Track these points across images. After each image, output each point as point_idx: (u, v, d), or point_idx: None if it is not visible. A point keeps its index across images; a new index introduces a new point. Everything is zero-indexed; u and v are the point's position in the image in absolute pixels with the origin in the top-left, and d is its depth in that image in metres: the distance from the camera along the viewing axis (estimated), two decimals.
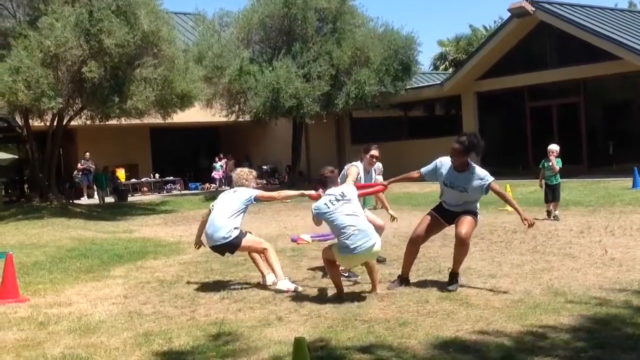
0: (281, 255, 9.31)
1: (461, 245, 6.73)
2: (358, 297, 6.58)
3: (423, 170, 7.13)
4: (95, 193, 23.69)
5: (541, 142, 21.67)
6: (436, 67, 47.10)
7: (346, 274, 7.43)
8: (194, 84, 18.92)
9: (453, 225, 6.87)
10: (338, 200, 6.57)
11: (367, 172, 8.29)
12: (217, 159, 27.93)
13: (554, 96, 22.88)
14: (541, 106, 22.94)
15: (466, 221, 6.74)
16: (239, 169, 8.09)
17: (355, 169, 8.04)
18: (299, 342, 3.57)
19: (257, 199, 7.53)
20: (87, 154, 24.31)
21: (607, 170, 20.12)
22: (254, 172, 8.05)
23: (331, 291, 6.83)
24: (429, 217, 7.04)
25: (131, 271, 8.95)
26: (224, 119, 24.13)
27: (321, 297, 6.67)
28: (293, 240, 10.72)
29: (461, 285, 6.73)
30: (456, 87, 24.12)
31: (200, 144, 30.38)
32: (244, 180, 7.72)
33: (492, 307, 5.91)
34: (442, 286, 6.78)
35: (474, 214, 6.87)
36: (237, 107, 23.12)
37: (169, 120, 20.67)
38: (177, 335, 5.57)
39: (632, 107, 21.15)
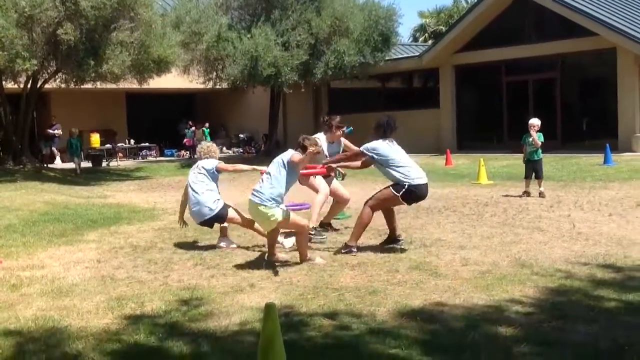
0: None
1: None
2: (330, 266, 6.67)
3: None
4: (71, 160, 21.98)
5: (517, 116, 21.90)
6: (415, 39, 47.05)
7: (312, 233, 7.77)
8: (171, 49, 18.74)
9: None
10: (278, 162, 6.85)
11: (331, 142, 8.60)
12: (188, 126, 27.68)
13: (530, 71, 23.00)
14: (518, 81, 23.06)
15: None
16: (203, 143, 8.56)
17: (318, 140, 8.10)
18: (269, 308, 3.64)
19: (218, 169, 7.91)
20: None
21: (580, 146, 20.37)
22: (215, 146, 8.43)
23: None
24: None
25: (105, 236, 8.96)
26: (201, 86, 23.96)
27: (293, 266, 6.75)
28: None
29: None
30: (434, 60, 24.13)
31: (176, 111, 30.15)
32: (212, 153, 8.11)
33: (460, 277, 6.04)
34: (412, 256, 6.91)
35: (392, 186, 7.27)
36: (214, 74, 22.94)
37: (145, 86, 20.50)
38: (150, 299, 5.63)
39: (606, 84, 21.33)
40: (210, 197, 7.70)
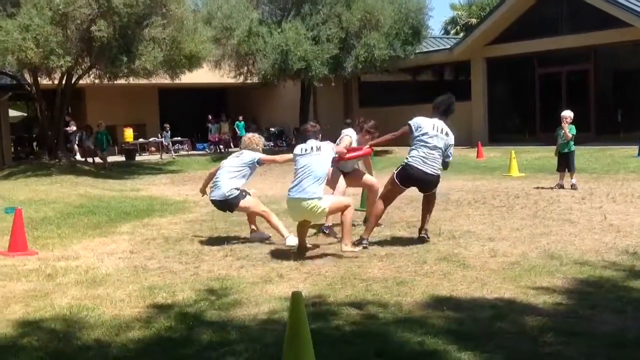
0: (284, 217, 9.46)
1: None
2: (359, 257, 6.72)
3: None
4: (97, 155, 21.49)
5: (549, 109, 21.65)
6: (447, 32, 46.68)
7: (326, 231, 7.75)
8: (203, 44, 18.92)
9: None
10: (311, 150, 6.86)
11: (360, 142, 8.29)
12: (212, 122, 27.43)
13: (563, 63, 22.71)
14: (550, 73, 22.80)
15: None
16: (250, 134, 8.43)
17: (348, 138, 8.06)
18: (295, 296, 3.69)
19: (260, 162, 7.87)
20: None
21: (614, 138, 20.08)
22: (263, 139, 8.42)
23: (331, 251, 6.98)
24: None
25: (137, 228, 9.13)
26: (232, 81, 24.13)
27: (322, 257, 6.81)
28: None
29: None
30: (466, 53, 23.95)
31: (208, 105, 30.40)
32: (254, 145, 8.05)
33: (489, 268, 6.04)
34: (441, 248, 6.93)
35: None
36: (245, 68, 23.10)
37: (177, 81, 20.71)
38: (181, 289, 5.74)
39: None
40: (230, 184, 7.64)
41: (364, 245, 7.07)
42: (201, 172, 19.34)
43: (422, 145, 7.09)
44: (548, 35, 21.82)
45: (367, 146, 7.93)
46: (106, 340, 4.50)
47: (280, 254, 7.00)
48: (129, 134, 26.21)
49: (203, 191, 8.43)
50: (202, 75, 23.18)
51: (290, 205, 6.86)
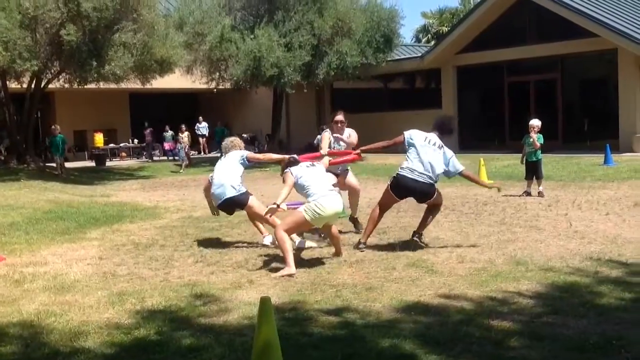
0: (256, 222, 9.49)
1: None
2: (328, 263, 6.77)
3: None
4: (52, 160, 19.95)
5: (518, 117, 21.95)
6: (418, 40, 47.12)
7: (314, 244, 7.73)
8: (174, 50, 18.87)
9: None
10: (309, 166, 6.99)
11: (337, 141, 8.41)
12: (167, 129, 26.54)
13: (532, 72, 23.08)
14: (519, 81, 23.15)
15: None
16: (230, 137, 8.42)
17: (327, 133, 8.39)
18: (264, 302, 3.73)
19: (248, 159, 7.81)
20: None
21: (581, 147, 20.43)
22: (239, 139, 8.34)
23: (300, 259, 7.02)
24: None
25: (107, 234, 9.08)
26: (204, 86, 24.09)
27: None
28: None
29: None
30: (436, 61, 24.22)
31: (180, 111, 30.31)
32: (237, 147, 8.02)
33: (456, 274, 6.14)
34: (410, 254, 7.01)
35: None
36: (217, 74, 23.08)
37: (148, 86, 20.63)
38: (150, 295, 5.73)
39: (607, 84, 21.42)
40: (235, 179, 7.58)
41: (361, 249, 7.29)
42: (172, 178, 19.29)
43: (413, 157, 7.29)
44: (517, 45, 22.17)
45: (357, 152, 7.98)
46: (74, 346, 4.49)
47: (250, 260, 7.02)
48: (99, 139, 26.02)
49: (215, 210, 8.18)
50: (174, 81, 23.12)
51: (330, 210, 6.66)
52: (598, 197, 11.11)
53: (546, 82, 22.83)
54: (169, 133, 26.52)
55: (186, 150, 22.66)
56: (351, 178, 8.57)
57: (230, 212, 7.98)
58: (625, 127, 20.22)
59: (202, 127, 28.31)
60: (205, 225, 9.48)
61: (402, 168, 7.34)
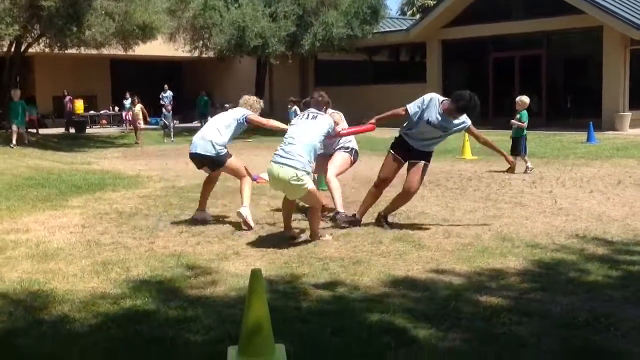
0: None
1: (407, 195, 7.06)
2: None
3: (410, 105, 7.06)
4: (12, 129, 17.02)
5: (502, 93, 21.98)
6: (404, 13, 46.85)
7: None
8: (157, 15, 18.58)
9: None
10: (307, 117, 6.53)
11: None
12: (127, 96, 25.02)
13: (517, 48, 23.06)
14: (504, 57, 23.12)
15: (419, 171, 6.98)
16: (249, 96, 7.76)
17: (337, 115, 7.37)
18: (255, 274, 3.67)
19: (248, 120, 7.33)
20: None
21: (564, 124, 20.54)
22: (261, 103, 7.75)
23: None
24: (390, 159, 7.17)
25: (89, 202, 8.97)
26: (187, 54, 23.79)
27: (279, 235, 6.80)
28: (253, 179, 10.77)
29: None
30: (422, 34, 24.10)
31: (162, 79, 29.94)
32: (248, 106, 7.51)
33: (443, 249, 6.13)
34: (396, 229, 6.99)
35: (429, 157, 7.09)
36: (200, 42, 22.80)
37: (130, 53, 20.33)
38: (135, 264, 5.67)
39: (592, 62, 21.47)
40: (219, 139, 7.15)
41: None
42: (154, 146, 19.12)
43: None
44: (502, 20, 22.11)
45: (372, 121, 7.16)
46: (59, 315, 4.42)
47: (236, 232, 6.97)
48: (79, 105, 25.66)
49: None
50: (157, 48, 22.82)
51: (271, 173, 6.23)
52: (582, 174, 11.16)
53: (531, 59, 22.83)
54: (128, 101, 24.91)
55: (139, 123, 20.97)
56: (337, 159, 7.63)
57: (199, 166, 7.53)
58: (608, 105, 20.33)
59: (167, 97, 26.29)
60: (190, 195, 9.39)
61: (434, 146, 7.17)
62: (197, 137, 7.34)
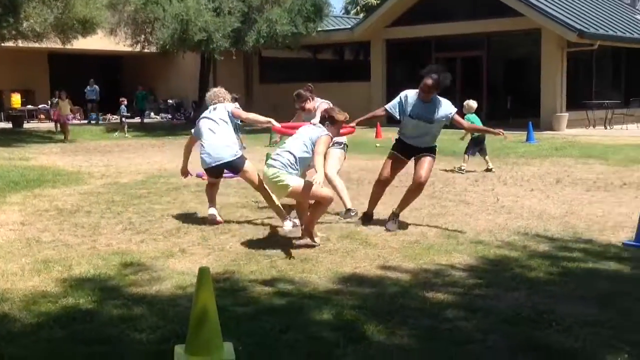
0: (185, 191, 9.32)
1: (417, 189, 7.01)
2: (262, 233, 6.70)
3: (388, 105, 7.10)
4: None
5: (445, 92, 22.28)
6: (347, 11, 47.07)
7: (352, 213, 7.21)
8: (98, 10, 18.18)
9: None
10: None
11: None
12: (56, 93, 22.70)
13: (459, 48, 23.42)
14: (446, 57, 23.45)
15: (426, 163, 6.93)
16: (214, 89, 7.60)
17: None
18: (203, 272, 3.62)
19: (233, 115, 7.18)
20: None
21: (504, 124, 20.79)
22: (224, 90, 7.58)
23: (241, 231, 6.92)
24: (390, 159, 7.17)
25: (28, 198, 8.71)
26: (129, 49, 23.35)
27: (224, 232, 6.74)
28: (198, 176, 10.65)
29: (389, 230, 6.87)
30: (366, 33, 24.25)
31: (102, 73, 29.33)
32: (220, 98, 7.36)
33: (390, 247, 6.17)
34: (344, 226, 7.00)
35: (434, 151, 7.09)
36: (142, 37, 22.40)
37: (68, 46, 19.83)
38: (78, 263, 5.53)
39: (531, 64, 21.95)
40: (233, 143, 6.95)
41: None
42: (94, 142, 18.71)
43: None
44: (445, 21, 22.42)
45: (353, 124, 7.00)
46: None
47: (181, 229, 6.87)
48: (16, 99, 24.92)
49: (185, 171, 7.54)
50: (97, 42, 22.33)
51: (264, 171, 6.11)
52: (522, 173, 11.41)
53: (472, 59, 23.23)
54: (55, 100, 22.96)
55: (68, 119, 19.98)
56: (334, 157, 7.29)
57: (218, 176, 7.25)
58: (546, 105, 20.85)
59: (91, 91, 25.88)
60: (133, 192, 9.23)
61: (401, 133, 7.16)
62: (213, 150, 6.93)
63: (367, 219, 7.20)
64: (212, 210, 7.12)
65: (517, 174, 11.35)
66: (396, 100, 7.06)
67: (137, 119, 24.86)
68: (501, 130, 6.90)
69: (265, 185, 6.61)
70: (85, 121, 25.99)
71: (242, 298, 4.69)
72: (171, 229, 6.85)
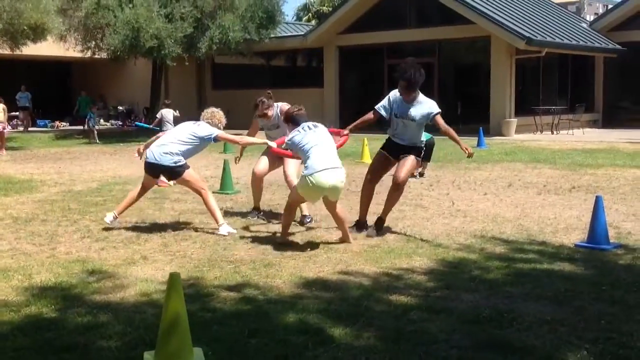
0: (142, 198, 9.22)
1: (395, 189, 7.06)
2: (223, 239, 6.71)
3: (377, 107, 7.23)
4: None
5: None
6: (299, 18, 47.20)
7: (308, 220, 7.48)
8: (48, 16, 17.87)
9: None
10: (311, 128, 6.55)
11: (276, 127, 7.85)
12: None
13: (410, 55, 23.67)
14: (399, 64, 23.67)
15: (407, 164, 7.00)
16: (213, 109, 7.51)
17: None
18: (174, 278, 3.63)
19: (217, 139, 7.18)
20: None
21: (454, 129, 21.16)
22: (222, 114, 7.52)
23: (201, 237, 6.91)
24: (378, 157, 7.30)
25: None
26: (79, 55, 23.01)
27: (185, 239, 6.74)
28: (156, 184, 10.60)
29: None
30: (319, 40, 24.40)
31: (51, 79, 28.79)
32: (216, 121, 7.29)
33: (351, 251, 6.26)
34: (304, 231, 7.07)
35: (418, 151, 7.18)
36: (93, 43, 22.10)
37: (17, 52, 19.44)
38: (38, 271, 5.47)
39: (481, 70, 22.42)
40: (178, 150, 6.94)
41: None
42: (44, 149, 18.38)
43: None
44: (397, 28, 22.73)
45: (345, 132, 7.37)
46: None
47: (141, 236, 6.84)
48: None
49: (141, 152, 7.31)
50: (46, 48, 21.94)
51: (327, 179, 6.26)
52: (475, 177, 11.65)
53: (423, 66, 23.38)
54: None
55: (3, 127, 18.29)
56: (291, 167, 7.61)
57: (154, 175, 7.27)
58: (496, 111, 21.30)
59: (23, 98, 25.08)
60: (88, 199, 9.13)
61: (422, 139, 7.37)
62: (156, 147, 7.02)
63: (360, 226, 7.18)
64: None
65: (470, 178, 11.58)
66: (384, 100, 7.25)
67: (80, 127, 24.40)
68: (469, 149, 6.97)
69: (328, 193, 6.49)
70: (34, 129, 25.45)
71: (208, 303, 4.71)
72: (131, 236, 6.81)
